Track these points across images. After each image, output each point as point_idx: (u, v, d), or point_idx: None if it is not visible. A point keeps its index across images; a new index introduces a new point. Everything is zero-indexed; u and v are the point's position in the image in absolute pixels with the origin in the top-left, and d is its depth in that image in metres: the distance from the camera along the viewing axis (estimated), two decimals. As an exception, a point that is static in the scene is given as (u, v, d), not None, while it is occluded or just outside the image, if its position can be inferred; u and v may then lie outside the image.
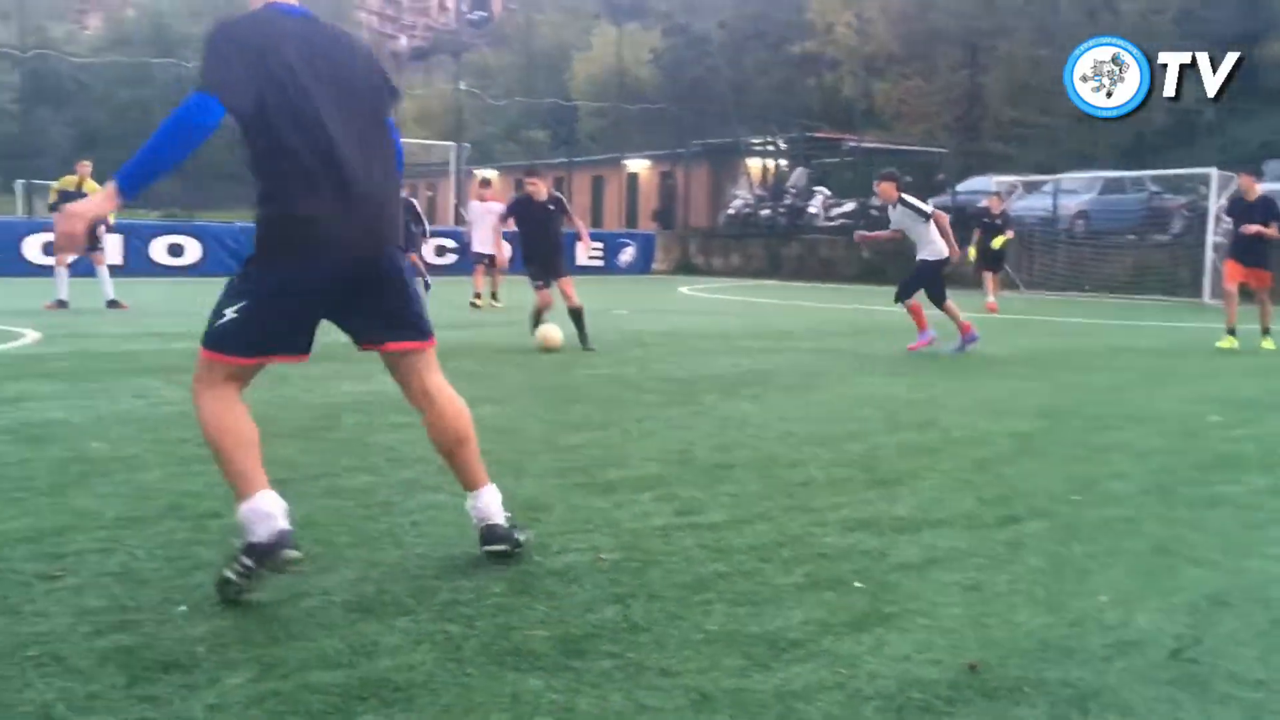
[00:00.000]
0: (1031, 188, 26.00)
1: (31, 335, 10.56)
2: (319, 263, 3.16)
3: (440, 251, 26.18)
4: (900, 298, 10.47)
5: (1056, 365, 9.78)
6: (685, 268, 32.76)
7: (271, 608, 3.05)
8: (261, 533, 3.08)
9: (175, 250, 24.02)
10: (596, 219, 39.94)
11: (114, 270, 21.78)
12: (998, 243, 17.64)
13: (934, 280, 10.46)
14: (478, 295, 16.05)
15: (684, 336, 11.94)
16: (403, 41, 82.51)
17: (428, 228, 21.48)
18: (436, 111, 49.94)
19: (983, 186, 24.17)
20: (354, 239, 3.18)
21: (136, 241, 23.48)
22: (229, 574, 3.07)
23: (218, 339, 3.19)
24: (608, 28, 48.16)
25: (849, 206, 30.07)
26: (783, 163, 34.56)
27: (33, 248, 21.31)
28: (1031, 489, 4.75)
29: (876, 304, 10.94)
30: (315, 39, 3.21)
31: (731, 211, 33.84)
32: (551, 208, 10.46)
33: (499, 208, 12.97)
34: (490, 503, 3.52)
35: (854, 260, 27.48)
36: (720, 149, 35.54)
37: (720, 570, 3.49)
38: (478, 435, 3.61)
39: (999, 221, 17.84)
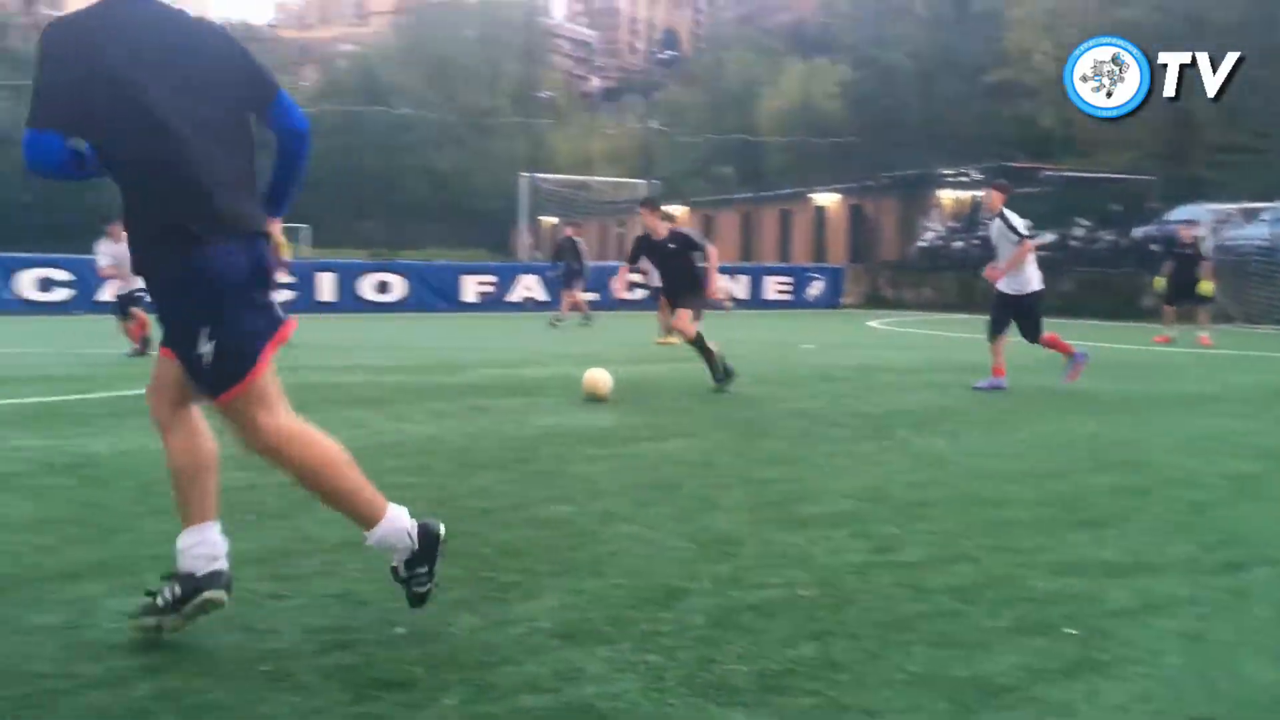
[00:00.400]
0: (1250, 215, 24.53)
1: (253, 368, 11.25)
2: (216, 253, 2.94)
3: (630, 287, 26.61)
4: (1032, 339, 9.98)
5: (1278, 403, 9.19)
6: (874, 301, 32.29)
7: (481, 633, 3.16)
8: (413, 539, 3.17)
9: (382, 287, 25.35)
10: (784, 253, 39.89)
11: (327, 307, 23.18)
12: (1207, 290, 16.73)
13: (1025, 312, 9.87)
14: (668, 331, 16.02)
15: (874, 371, 11.76)
16: (594, 82, 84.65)
17: (588, 266, 21.79)
18: (626, 150, 51.02)
19: (1194, 215, 22.97)
20: (226, 225, 2.97)
21: (347, 280, 24.89)
22: (425, 590, 3.22)
23: (231, 372, 2.97)
24: (795, 63, 48.21)
25: (1048, 238, 28.99)
26: (977, 194, 33.69)
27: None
28: (1256, 534, 4.48)
29: (1072, 337, 10.51)
30: (163, 29, 2.98)
31: (923, 244, 33.20)
32: (672, 246, 9.68)
33: None
34: (223, 541, 3.19)
35: (1050, 293, 26.44)
36: (910, 181, 34.95)
37: (921, 610, 3.42)
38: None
39: (1190, 251, 16.96)
